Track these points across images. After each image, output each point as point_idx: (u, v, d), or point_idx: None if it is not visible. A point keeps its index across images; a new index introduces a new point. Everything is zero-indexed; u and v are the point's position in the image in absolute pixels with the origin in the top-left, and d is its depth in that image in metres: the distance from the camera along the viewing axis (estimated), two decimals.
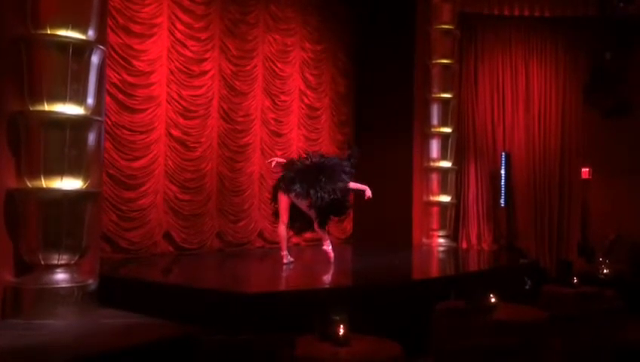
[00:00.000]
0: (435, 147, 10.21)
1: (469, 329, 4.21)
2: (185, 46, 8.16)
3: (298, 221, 6.98)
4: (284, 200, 6.80)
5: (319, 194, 6.49)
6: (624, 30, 10.31)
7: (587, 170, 10.96)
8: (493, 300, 4.48)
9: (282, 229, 6.96)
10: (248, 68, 9.03)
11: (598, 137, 10.83)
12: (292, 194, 6.67)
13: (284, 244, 7.01)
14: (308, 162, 6.81)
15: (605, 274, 7.59)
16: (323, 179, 6.54)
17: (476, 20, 10.89)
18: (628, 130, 10.45)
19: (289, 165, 6.93)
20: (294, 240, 8.92)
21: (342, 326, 3.60)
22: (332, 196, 6.52)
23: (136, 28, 7.59)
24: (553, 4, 10.67)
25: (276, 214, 6.98)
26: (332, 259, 7.00)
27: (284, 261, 6.95)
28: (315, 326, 3.69)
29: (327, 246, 6.99)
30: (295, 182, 6.62)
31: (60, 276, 4.93)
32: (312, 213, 6.72)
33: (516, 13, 10.91)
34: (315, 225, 6.86)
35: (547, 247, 10.78)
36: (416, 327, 4.90)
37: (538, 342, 4.33)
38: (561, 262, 7.59)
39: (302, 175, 6.65)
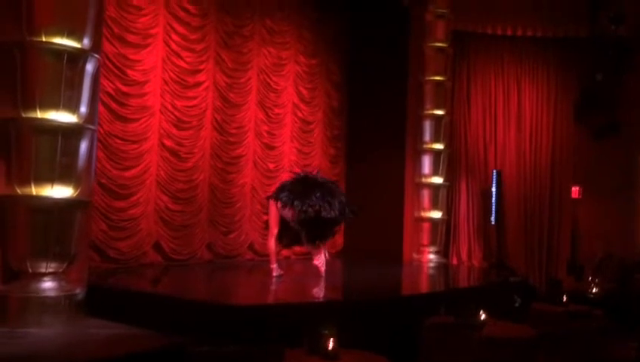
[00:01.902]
0: (427, 163, 10.25)
1: (458, 345, 4.20)
2: (180, 57, 8.17)
3: (286, 236, 6.94)
4: (274, 212, 6.79)
5: (304, 208, 6.45)
6: (615, 51, 10.44)
7: (577, 188, 11.03)
8: (482, 317, 4.48)
9: (272, 242, 6.94)
10: (242, 80, 9.06)
11: (589, 157, 10.92)
12: (278, 204, 6.65)
13: (273, 257, 6.98)
14: (309, 177, 6.80)
15: (594, 293, 7.62)
16: (317, 194, 6.52)
17: (469, 39, 11.00)
18: (618, 150, 10.56)
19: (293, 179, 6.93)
20: (284, 253, 8.90)
21: (331, 340, 3.59)
22: (318, 214, 6.45)
23: (131, 38, 7.60)
24: (545, 25, 10.80)
25: (267, 225, 6.97)
26: (322, 273, 6.96)
27: (274, 274, 6.93)
28: (304, 339, 3.67)
29: (318, 261, 6.95)
30: (284, 190, 6.61)
31: (48, 284, 4.87)
32: (296, 227, 6.65)
33: (509, 32, 11.04)
34: (304, 240, 6.81)
35: (537, 265, 10.81)
36: (406, 342, 4.88)
37: (527, 360, 4.32)
38: (551, 280, 7.61)
39: (294, 185, 6.64)
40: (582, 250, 10.80)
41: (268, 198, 6.97)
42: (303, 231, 6.65)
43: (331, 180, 7.35)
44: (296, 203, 6.47)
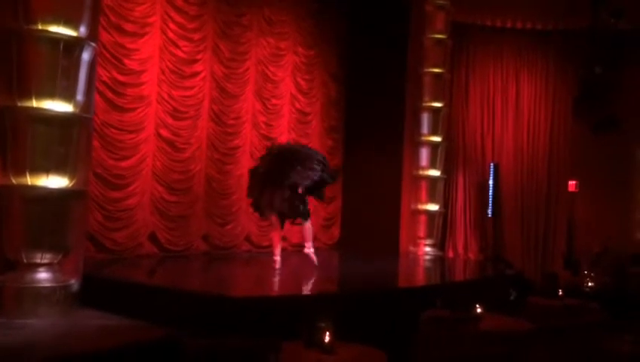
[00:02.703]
0: (424, 155, 10.22)
1: (454, 338, 4.20)
2: (177, 46, 8.11)
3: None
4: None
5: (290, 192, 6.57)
6: (614, 45, 10.40)
7: (574, 182, 11.03)
8: (479, 310, 4.48)
9: (275, 235, 6.98)
10: (240, 70, 9.00)
11: (586, 150, 10.91)
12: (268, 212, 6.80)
13: (276, 249, 6.99)
14: (279, 155, 6.84)
15: (590, 286, 7.63)
16: (297, 168, 6.59)
17: (469, 31, 10.95)
18: (616, 144, 10.54)
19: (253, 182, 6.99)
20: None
21: (327, 333, 3.58)
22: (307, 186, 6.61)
23: (128, 26, 7.54)
24: (545, 18, 10.76)
25: (256, 205, 6.96)
26: (315, 262, 6.98)
27: (276, 266, 6.91)
28: (301, 333, 3.66)
29: (309, 249, 7.00)
30: (263, 202, 6.71)
31: (43, 275, 4.87)
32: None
33: (508, 25, 11.00)
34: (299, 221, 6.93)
35: (533, 259, 10.84)
36: (402, 336, 4.88)
37: (523, 353, 4.33)
38: (547, 274, 7.62)
39: (270, 173, 6.70)
40: (578, 244, 10.81)
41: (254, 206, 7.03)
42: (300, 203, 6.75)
43: (301, 145, 7.29)
44: (276, 201, 6.59)
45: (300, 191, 6.68)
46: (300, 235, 9.78)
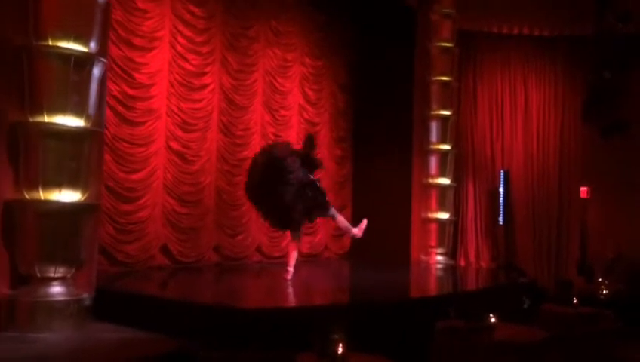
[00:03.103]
0: (433, 164, 10.20)
1: (468, 349, 4.17)
2: (185, 59, 8.17)
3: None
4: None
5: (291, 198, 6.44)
6: (622, 49, 10.36)
7: (586, 188, 10.96)
8: (492, 320, 4.44)
9: (290, 246, 6.99)
10: (248, 82, 9.05)
11: (597, 156, 10.85)
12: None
13: (291, 261, 6.95)
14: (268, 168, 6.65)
15: (605, 294, 7.55)
16: (289, 177, 6.45)
17: (475, 38, 10.97)
18: (626, 148, 10.48)
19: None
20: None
21: (340, 344, 3.56)
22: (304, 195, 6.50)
23: (137, 41, 7.60)
24: (551, 24, 10.76)
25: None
26: (359, 234, 6.96)
27: (288, 277, 6.88)
28: (313, 344, 3.65)
29: (355, 230, 6.98)
30: (263, 201, 6.64)
31: (56, 289, 4.89)
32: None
33: (515, 31, 11.01)
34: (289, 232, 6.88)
35: (546, 266, 10.77)
36: (415, 346, 4.85)
37: None
38: (561, 281, 7.55)
39: (263, 185, 6.57)
40: (591, 251, 10.72)
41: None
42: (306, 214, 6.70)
43: (284, 147, 7.03)
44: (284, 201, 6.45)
45: (308, 184, 6.60)
46: (310, 246, 9.83)
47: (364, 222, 7.03)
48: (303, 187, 6.55)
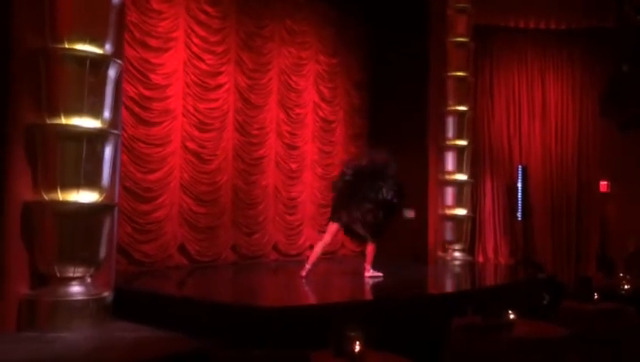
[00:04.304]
0: (450, 160, 10.13)
1: (487, 346, 4.12)
2: (201, 59, 8.20)
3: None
4: (333, 226, 7.10)
5: (360, 214, 6.85)
6: None
7: (606, 183, 10.82)
8: (512, 316, 4.39)
9: (319, 247, 7.14)
10: (263, 81, 9.06)
11: (616, 149, 10.71)
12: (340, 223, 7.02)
13: (312, 259, 7.01)
14: (347, 177, 7.01)
15: (626, 289, 7.43)
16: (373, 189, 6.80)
17: (491, 33, 10.87)
18: None
19: (335, 189, 7.20)
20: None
21: (357, 342, 3.55)
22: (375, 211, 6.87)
23: (153, 42, 7.65)
24: (569, 17, 10.62)
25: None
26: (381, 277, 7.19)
27: (304, 273, 6.90)
28: (330, 341, 3.64)
29: (368, 273, 7.21)
30: (340, 210, 6.95)
31: (76, 288, 4.94)
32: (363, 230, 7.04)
33: (531, 25, 10.88)
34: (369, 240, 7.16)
35: (565, 261, 10.65)
36: (433, 343, 4.82)
37: (557, 360, 4.23)
38: (581, 277, 7.46)
39: (343, 198, 6.90)
40: (612, 245, 10.59)
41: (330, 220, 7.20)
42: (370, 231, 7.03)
43: (380, 159, 7.22)
44: (355, 214, 6.86)
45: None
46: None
47: (375, 274, 7.20)
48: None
